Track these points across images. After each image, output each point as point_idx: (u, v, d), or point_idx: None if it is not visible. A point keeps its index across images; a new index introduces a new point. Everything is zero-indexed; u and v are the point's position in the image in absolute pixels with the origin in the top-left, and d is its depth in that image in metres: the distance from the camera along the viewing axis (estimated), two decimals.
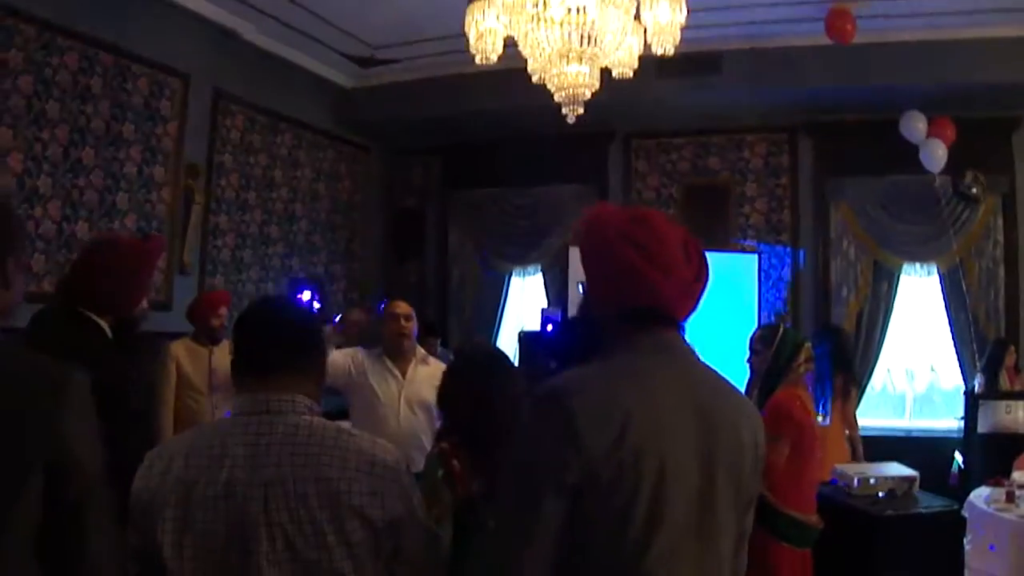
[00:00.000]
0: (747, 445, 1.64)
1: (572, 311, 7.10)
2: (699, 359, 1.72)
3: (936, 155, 6.91)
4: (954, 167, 7.05)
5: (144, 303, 3.37)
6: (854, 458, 5.97)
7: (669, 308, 1.66)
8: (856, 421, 6.31)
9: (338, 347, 4.53)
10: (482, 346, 4.30)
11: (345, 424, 1.79)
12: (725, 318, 6.80)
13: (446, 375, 2.91)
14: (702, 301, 1.72)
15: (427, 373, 4.38)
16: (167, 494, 1.69)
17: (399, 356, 4.47)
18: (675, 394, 1.59)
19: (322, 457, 1.70)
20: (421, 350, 4.64)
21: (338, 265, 8.68)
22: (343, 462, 1.70)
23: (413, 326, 4.53)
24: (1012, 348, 6.95)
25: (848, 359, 6.55)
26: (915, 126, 6.94)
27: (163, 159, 6.42)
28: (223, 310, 5.40)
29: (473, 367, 2.70)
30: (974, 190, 7.06)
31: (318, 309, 6.85)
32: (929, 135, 6.96)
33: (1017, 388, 6.88)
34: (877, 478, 5.01)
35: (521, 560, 1.50)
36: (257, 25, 6.94)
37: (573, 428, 1.49)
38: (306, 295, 6.92)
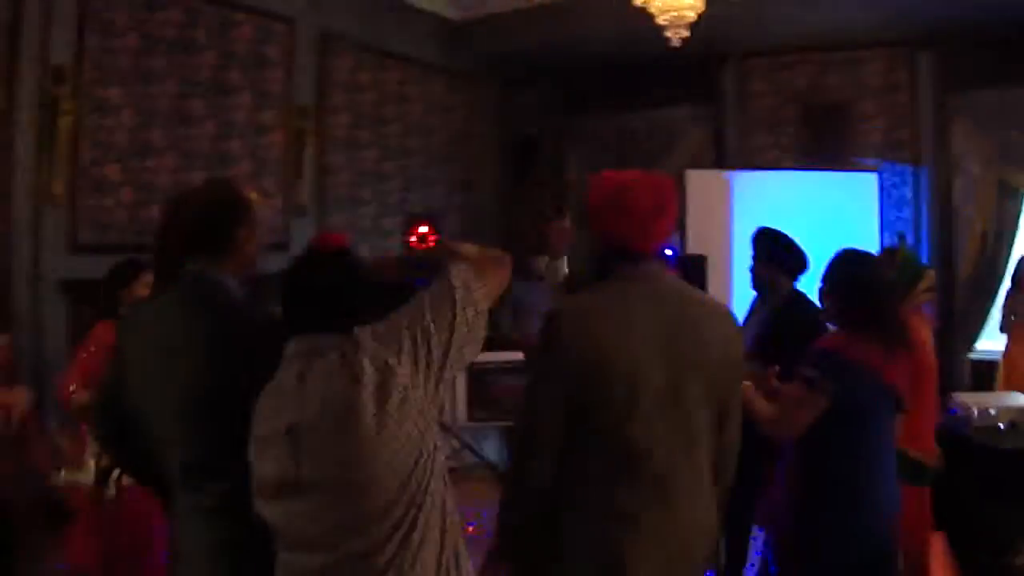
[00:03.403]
0: (711, 342, 2.16)
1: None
2: (673, 280, 2.28)
3: None
4: None
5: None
6: None
7: (638, 246, 2.18)
8: None
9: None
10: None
11: None
12: (845, 238, 6.58)
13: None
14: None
15: None
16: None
17: None
18: (643, 306, 2.13)
19: None
20: None
21: (456, 196, 8.71)
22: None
23: None
24: None
25: None
26: None
27: (272, 103, 6.55)
28: None
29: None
30: None
31: (436, 242, 6.92)
32: None
33: None
34: (998, 408, 4.73)
35: (537, 420, 2.14)
36: None
37: (562, 338, 2.10)
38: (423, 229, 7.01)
